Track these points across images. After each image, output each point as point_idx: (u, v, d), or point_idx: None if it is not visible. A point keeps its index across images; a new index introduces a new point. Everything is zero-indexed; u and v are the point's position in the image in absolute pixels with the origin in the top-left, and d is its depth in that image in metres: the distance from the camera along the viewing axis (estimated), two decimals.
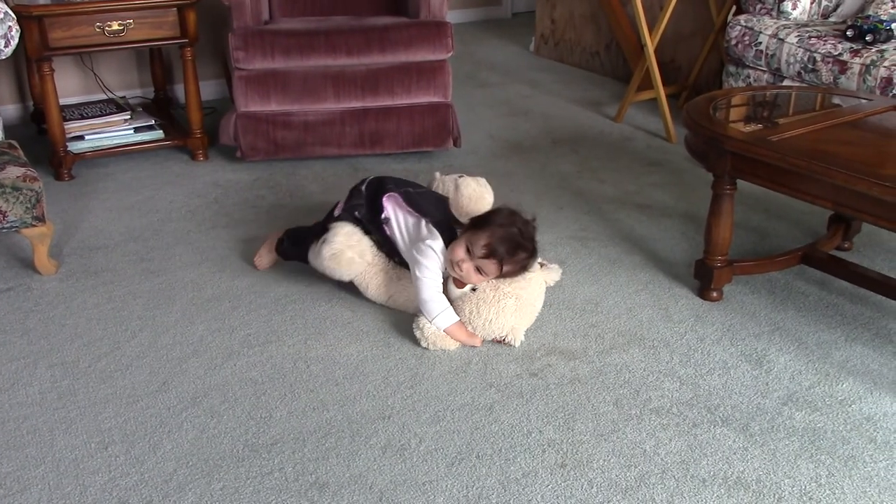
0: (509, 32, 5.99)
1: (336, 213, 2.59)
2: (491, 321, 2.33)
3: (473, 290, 2.37)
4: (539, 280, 2.44)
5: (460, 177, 2.68)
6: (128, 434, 2.01)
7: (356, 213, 2.53)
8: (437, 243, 2.39)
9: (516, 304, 2.34)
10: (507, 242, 2.30)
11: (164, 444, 1.98)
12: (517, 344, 2.35)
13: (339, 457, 1.94)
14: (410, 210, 2.51)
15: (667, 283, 2.68)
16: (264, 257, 2.73)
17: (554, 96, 4.57)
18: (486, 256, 2.30)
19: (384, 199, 2.53)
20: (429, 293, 2.35)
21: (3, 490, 1.84)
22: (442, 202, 2.58)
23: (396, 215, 2.52)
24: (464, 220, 2.48)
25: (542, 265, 2.50)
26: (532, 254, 2.36)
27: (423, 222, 2.47)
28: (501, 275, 2.35)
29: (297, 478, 1.88)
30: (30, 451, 1.96)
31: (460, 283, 2.38)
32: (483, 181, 2.64)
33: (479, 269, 2.33)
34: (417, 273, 2.38)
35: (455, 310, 2.36)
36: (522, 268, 2.36)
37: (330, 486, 1.86)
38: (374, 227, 2.52)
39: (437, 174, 2.83)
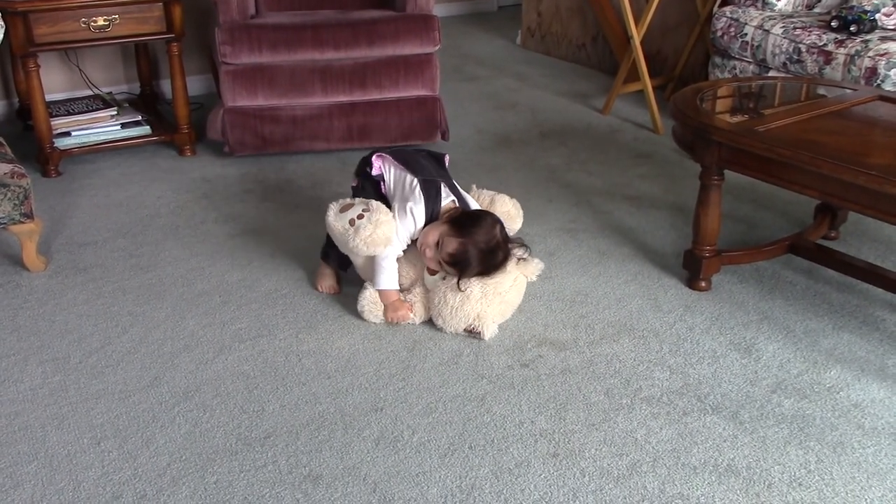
0: (496, 26, 6.00)
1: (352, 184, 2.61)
2: (456, 308, 2.33)
3: (444, 278, 2.38)
4: (512, 274, 2.41)
5: (497, 194, 2.66)
6: (120, 429, 2.01)
7: (359, 179, 2.56)
8: (420, 207, 2.39)
9: (482, 291, 2.34)
10: (471, 262, 2.31)
11: (157, 438, 1.98)
12: (487, 335, 2.34)
13: (333, 449, 1.95)
14: (402, 166, 2.48)
15: (656, 274, 2.70)
16: (325, 279, 2.61)
17: (541, 89, 4.58)
18: (449, 263, 2.33)
19: (374, 157, 2.52)
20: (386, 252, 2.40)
21: None
22: (435, 158, 2.59)
23: (388, 171, 2.51)
24: None
25: (519, 259, 2.44)
26: (493, 270, 2.35)
27: (413, 179, 2.44)
28: (461, 279, 2.36)
29: (290, 470, 1.89)
30: (22, 447, 1.95)
31: (432, 271, 2.40)
32: (517, 203, 2.63)
33: (441, 263, 2.36)
34: (399, 219, 2.40)
35: (429, 298, 2.39)
36: (480, 275, 2.36)
37: (324, 478, 1.87)
38: (371, 186, 2.52)
39: (474, 186, 2.69)
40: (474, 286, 2.34)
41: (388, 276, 2.41)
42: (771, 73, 3.54)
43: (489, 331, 2.35)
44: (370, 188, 2.53)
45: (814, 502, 1.81)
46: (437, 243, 2.33)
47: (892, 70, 3.09)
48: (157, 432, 2.00)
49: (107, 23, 3.29)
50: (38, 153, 3.42)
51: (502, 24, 6.00)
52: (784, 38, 3.45)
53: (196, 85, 4.24)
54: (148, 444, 1.96)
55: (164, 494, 1.82)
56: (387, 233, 2.35)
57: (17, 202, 2.56)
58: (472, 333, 2.36)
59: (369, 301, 2.42)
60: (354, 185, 2.60)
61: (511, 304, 2.43)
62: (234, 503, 1.80)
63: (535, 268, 2.47)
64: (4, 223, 2.57)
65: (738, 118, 2.56)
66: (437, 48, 3.53)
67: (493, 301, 2.35)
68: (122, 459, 1.92)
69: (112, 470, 1.89)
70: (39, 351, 2.31)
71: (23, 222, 2.60)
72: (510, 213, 2.59)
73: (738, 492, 1.83)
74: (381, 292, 2.41)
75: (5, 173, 2.56)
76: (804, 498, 1.82)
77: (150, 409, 2.08)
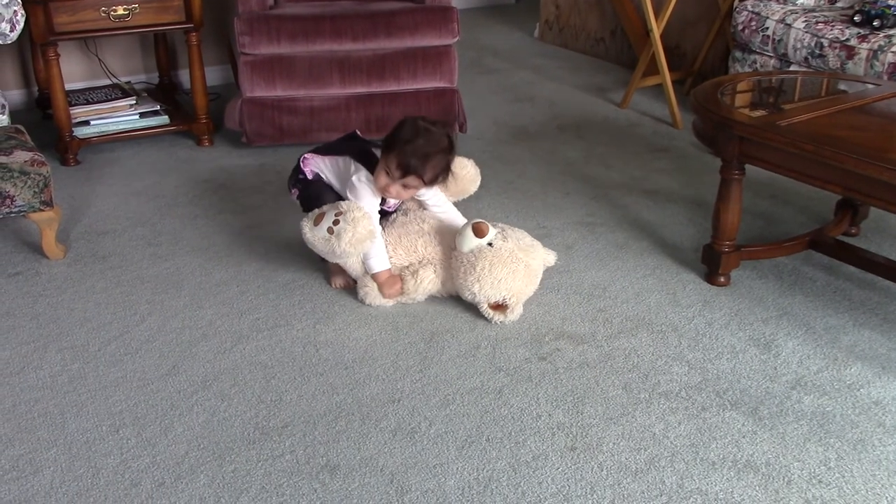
0: (513, 18, 5.98)
1: (293, 198, 2.63)
2: (501, 280, 2.35)
3: (490, 245, 2.37)
4: (542, 255, 2.47)
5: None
6: (139, 417, 2.02)
7: (297, 186, 2.59)
8: (362, 173, 2.45)
9: (525, 271, 2.38)
10: (416, 156, 2.34)
11: (175, 426, 1.99)
12: (516, 314, 2.38)
13: (350, 440, 1.95)
14: (328, 157, 2.57)
15: (674, 268, 2.68)
16: (339, 276, 2.58)
17: (559, 82, 4.56)
18: (404, 175, 2.35)
19: (301, 163, 2.57)
20: None
21: (17, 472, 1.85)
22: (353, 138, 2.65)
23: (322, 168, 2.57)
24: (456, 198, 2.65)
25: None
26: (446, 153, 2.40)
27: (344, 160, 2.52)
28: (427, 184, 2.39)
29: (307, 460, 1.89)
30: (41, 433, 1.96)
31: (480, 233, 2.37)
32: (474, 163, 2.70)
33: (405, 186, 2.39)
34: (352, 198, 2.44)
35: (466, 262, 2.38)
36: (445, 169, 2.42)
37: (341, 468, 1.87)
38: (320, 187, 2.56)
39: None
40: (520, 264, 2.37)
41: (379, 259, 2.44)
42: (792, 68, 3.51)
43: (518, 311, 2.39)
44: (321, 189, 2.55)
45: (833, 499, 1.80)
46: (387, 174, 2.36)
47: None
48: (175, 420, 2.01)
49: (126, 12, 3.29)
50: (58, 142, 3.43)
51: (520, 17, 5.98)
52: (806, 32, 3.42)
53: (214, 75, 4.25)
54: (166, 433, 1.97)
55: (182, 482, 1.83)
56: (367, 227, 2.35)
57: (36, 190, 2.57)
58: (499, 308, 2.38)
59: (371, 294, 2.46)
60: (297, 196, 2.60)
61: (536, 285, 2.47)
62: (251, 492, 1.80)
63: (551, 258, 2.53)
64: (24, 211, 2.58)
65: (758, 112, 2.54)
66: (455, 40, 3.52)
67: (530, 282, 2.41)
68: (140, 447, 1.92)
69: (131, 457, 1.89)
70: (58, 338, 2.32)
71: (42, 210, 2.61)
72: (471, 174, 2.65)
73: (757, 488, 1.82)
74: (374, 276, 2.45)
75: (25, 161, 2.57)
76: (824, 495, 1.81)
77: (169, 398, 2.09)
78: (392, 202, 2.55)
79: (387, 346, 2.30)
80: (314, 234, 2.38)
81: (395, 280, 2.45)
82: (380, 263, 2.45)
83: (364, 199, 2.42)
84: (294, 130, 3.53)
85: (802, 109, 2.49)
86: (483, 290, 2.36)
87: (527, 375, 2.18)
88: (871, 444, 1.95)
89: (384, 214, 2.56)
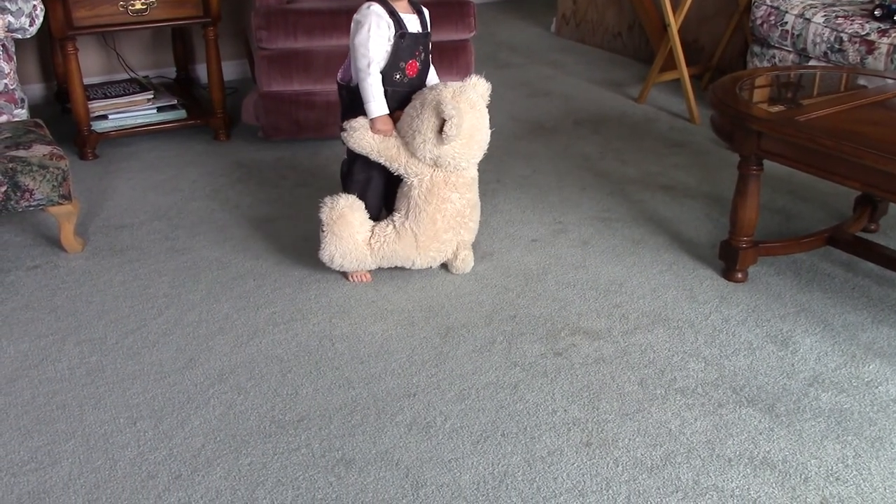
0: (530, 13, 5.96)
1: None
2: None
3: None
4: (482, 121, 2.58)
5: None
6: (156, 410, 2.03)
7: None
8: (362, 7, 2.43)
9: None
10: None
11: (192, 419, 2.00)
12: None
13: (366, 434, 1.96)
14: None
15: (691, 264, 2.67)
16: (355, 272, 2.57)
17: (575, 77, 4.54)
18: None
19: (337, 78, 2.58)
20: (365, 64, 2.41)
21: (35, 463, 1.86)
22: None
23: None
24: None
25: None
26: None
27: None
28: None
29: (323, 454, 1.90)
30: (60, 425, 1.98)
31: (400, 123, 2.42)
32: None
33: None
34: (353, 35, 2.44)
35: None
36: None
37: (356, 462, 1.87)
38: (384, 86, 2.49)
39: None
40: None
41: (377, 102, 2.42)
42: (811, 63, 3.48)
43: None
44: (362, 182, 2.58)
45: (851, 497, 1.79)
46: None
47: None
48: (192, 413, 2.02)
49: (144, 6, 3.31)
50: (76, 136, 3.45)
51: (537, 12, 5.96)
52: (825, 26, 3.39)
53: (231, 69, 4.25)
54: (183, 425, 1.98)
55: (199, 475, 1.84)
56: (341, 209, 2.46)
57: (55, 183, 2.58)
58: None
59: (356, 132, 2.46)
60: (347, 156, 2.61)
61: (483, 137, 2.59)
62: (267, 485, 1.81)
63: (482, 87, 2.63)
64: (43, 204, 2.60)
65: (777, 108, 2.53)
66: (472, 35, 3.52)
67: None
68: (157, 439, 1.94)
69: (148, 450, 1.91)
70: (77, 331, 2.34)
71: (61, 204, 2.62)
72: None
73: (774, 485, 1.82)
74: (374, 120, 2.44)
75: (44, 155, 2.59)
76: (841, 492, 1.80)
77: (186, 391, 2.10)
78: (412, 25, 2.48)
79: (402, 340, 2.30)
80: (322, 252, 2.50)
81: (388, 120, 2.45)
82: (378, 108, 2.43)
83: (365, 28, 2.40)
84: (311, 125, 3.53)
85: (821, 105, 2.47)
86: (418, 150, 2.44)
87: (542, 371, 2.18)
88: (889, 441, 1.94)
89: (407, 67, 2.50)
